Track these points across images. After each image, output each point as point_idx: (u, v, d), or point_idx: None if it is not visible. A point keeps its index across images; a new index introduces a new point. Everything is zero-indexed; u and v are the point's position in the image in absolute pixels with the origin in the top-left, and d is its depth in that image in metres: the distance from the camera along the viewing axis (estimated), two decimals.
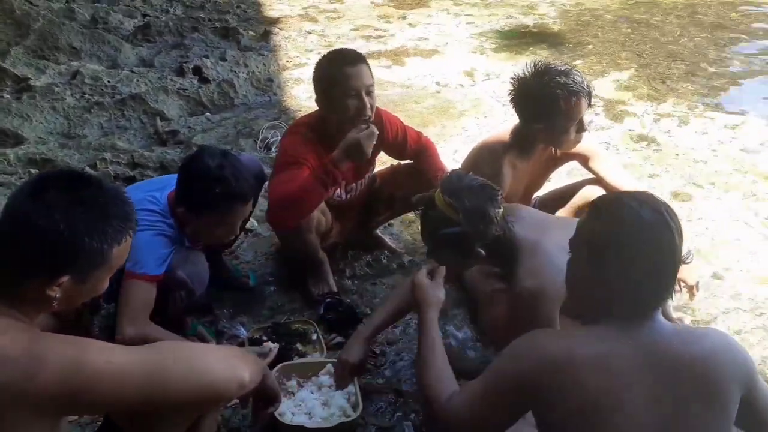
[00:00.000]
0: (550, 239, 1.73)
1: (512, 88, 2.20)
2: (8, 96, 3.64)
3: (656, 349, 1.23)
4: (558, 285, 1.66)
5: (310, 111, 3.68)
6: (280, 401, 1.47)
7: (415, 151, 2.45)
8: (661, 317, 1.28)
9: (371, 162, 2.43)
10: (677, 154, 3.40)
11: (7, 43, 4.26)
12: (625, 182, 2.34)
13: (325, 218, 2.32)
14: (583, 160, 2.37)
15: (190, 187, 1.85)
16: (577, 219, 1.97)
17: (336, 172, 2.07)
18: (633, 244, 1.22)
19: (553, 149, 2.32)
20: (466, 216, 1.68)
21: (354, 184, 2.39)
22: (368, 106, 2.15)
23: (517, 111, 2.23)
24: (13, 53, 4.08)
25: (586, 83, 2.13)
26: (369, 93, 2.15)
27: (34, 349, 1.04)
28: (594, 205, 1.33)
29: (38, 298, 1.11)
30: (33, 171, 2.95)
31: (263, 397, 1.42)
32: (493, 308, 1.84)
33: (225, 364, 1.24)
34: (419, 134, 2.49)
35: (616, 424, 1.19)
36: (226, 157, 1.86)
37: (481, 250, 1.74)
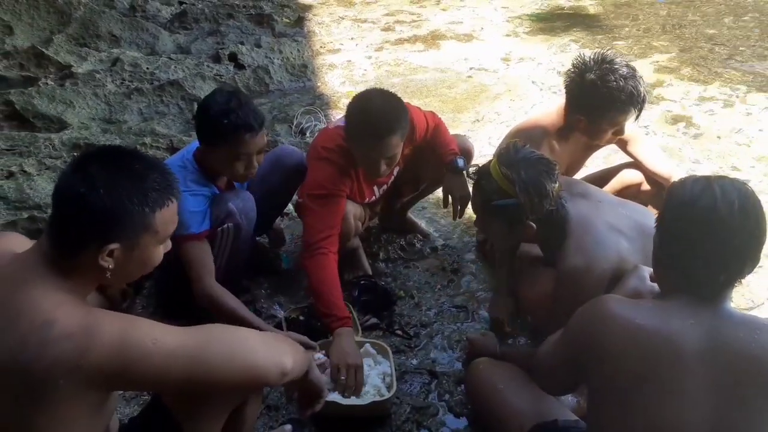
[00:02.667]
0: (602, 218, 1.73)
1: (571, 73, 2.15)
2: (52, 83, 3.74)
3: (721, 334, 1.23)
4: (605, 264, 1.67)
5: (343, 97, 3.77)
6: (324, 397, 1.48)
7: (431, 138, 2.41)
8: (729, 304, 1.27)
9: (399, 160, 2.42)
10: (719, 137, 3.31)
11: (50, 31, 4.38)
12: (664, 167, 2.30)
13: (361, 220, 2.33)
14: (622, 144, 2.33)
15: (202, 124, 1.95)
16: (633, 203, 1.98)
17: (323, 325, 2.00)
18: (702, 223, 1.22)
19: None
20: (522, 188, 1.69)
21: (385, 185, 2.39)
22: (383, 170, 2.08)
23: (567, 96, 2.19)
24: (56, 41, 4.19)
25: (644, 93, 2.07)
26: (389, 159, 2.06)
27: (88, 325, 1.08)
28: (677, 181, 1.33)
29: (92, 270, 1.14)
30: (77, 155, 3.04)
31: (307, 392, 1.44)
32: (538, 286, 1.85)
33: (268, 349, 1.26)
34: (429, 119, 2.38)
35: (668, 399, 1.20)
36: (234, 94, 1.97)
37: (532, 224, 1.74)
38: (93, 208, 1.11)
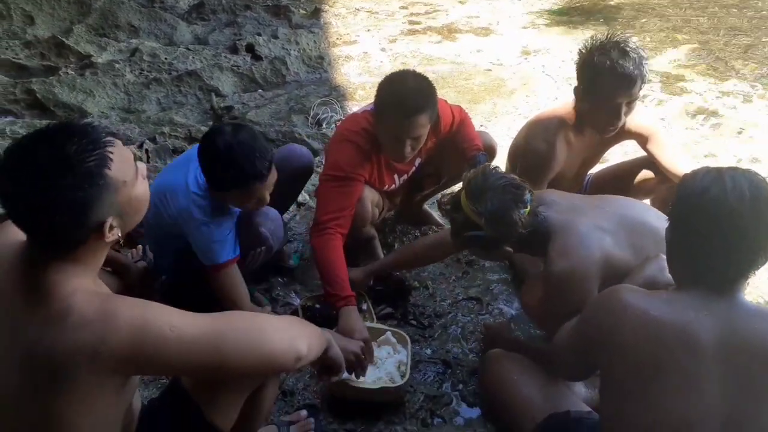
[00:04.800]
0: (583, 219, 1.72)
1: (576, 59, 2.14)
2: (72, 72, 3.79)
3: (735, 325, 1.22)
4: (590, 264, 1.66)
5: (359, 88, 3.78)
6: (343, 371, 1.51)
7: (456, 128, 2.43)
8: (743, 296, 1.27)
9: (422, 150, 2.43)
10: (741, 130, 3.27)
11: (71, 21, 4.43)
12: (680, 167, 2.20)
13: (379, 207, 2.34)
14: (642, 141, 2.28)
15: (207, 170, 1.86)
16: (614, 196, 1.97)
17: (330, 311, 2.01)
18: (713, 214, 1.22)
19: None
20: (488, 221, 1.67)
21: (405, 175, 2.40)
22: (408, 152, 2.09)
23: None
24: (76, 31, 4.24)
25: (637, 68, 1.99)
26: (415, 139, 2.07)
27: (106, 311, 1.08)
28: (689, 173, 1.32)
29: (100, 246, 1.14)
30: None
31: (326, 366, 1.47)
32: (535, 292, 1.85)
33: (284, 336, 1.27)
34: (455, 112, 2.39)
35: (681, 390, 1.21)
36: (235, 136, 1.81)
37: (509, 248, 1.75)
38: (65, 210, 1.05)
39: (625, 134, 2.27)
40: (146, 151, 2.95)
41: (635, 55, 2.01)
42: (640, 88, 2.05)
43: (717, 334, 1.22)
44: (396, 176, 2.33)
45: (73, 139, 1.07)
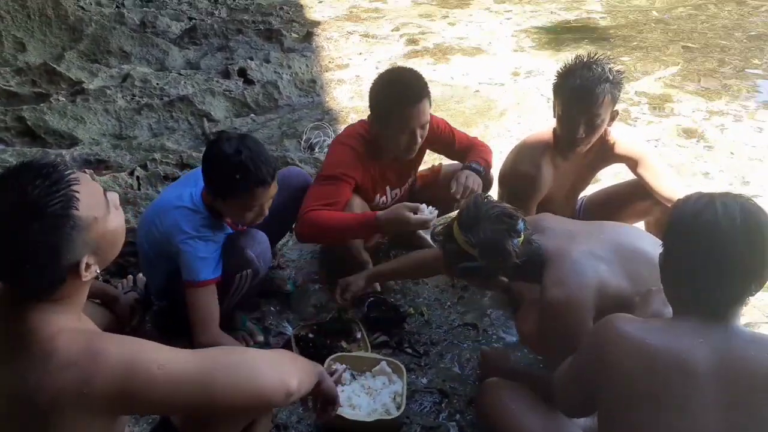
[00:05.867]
0: (577, 247, 1.70)
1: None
2: (63, 99, 3.78)
3: (731, 352, 1.21)
4: (585, 293, 1.64)
5: (352, 112, 3.79)
6: (338, 404, 1.48)
7: (465, 149, 2.42)
8: (739, 322, 1.26)
9: (415, 165, 2.44)
10: (732, 153, 3.29)
11: (62, 47, 4.43)
12: (670, 190, 2.20)
13: None
14: (631, 164, 2.26)
15: (211, 176, 1.86)
16: (608, 222, 1.96)
17: (372, 232, 2.07)
18: (704, 240, 1.22)
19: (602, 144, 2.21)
20: (482, 252, 1.66)
21: (398, 189, 2.40)
22: (419, 143, 2.14)
23: None
24: (68, 57, 4.24)
25: (599, 84, 1.98)
26: (423, 127, 2.12)
27: (91, 352, 1.06)
28: (681, 198, 1.32)
29: (79, 286, 1.12)
30: (88, 171, 3.06)
31: (321, 400, 1.44)
32: (528, 317, 1.83)
33: (274, 372, 1.25)
34: (472, 138, 2.47)
35: (679, 418, 1.19)
36: (242, 142, 1.84)
37: (503, 278, 1.73)
38: (34, 257, 1.03)
39: (614, 157, 2.28)
40: (137, 178, 2.93)
41: (599, 71, 1.99)
42: (604, 108, 2.03)
43: (713, 361, 1.20)
44: (389, 189, 2.31)
45: (35, 182, 1.03)
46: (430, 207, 2.04)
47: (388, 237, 2.60)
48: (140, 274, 2.23)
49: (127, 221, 2.59)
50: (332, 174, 2.11)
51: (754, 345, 1.24)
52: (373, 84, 2.16)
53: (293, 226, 2.50)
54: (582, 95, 2.01)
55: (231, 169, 1.80)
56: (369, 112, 2.22)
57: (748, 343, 1.24)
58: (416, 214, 1.99)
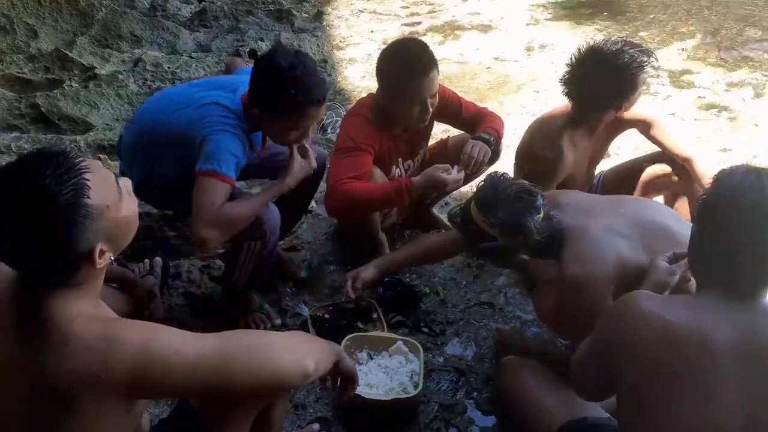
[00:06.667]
0: (597, 222, 1.68)
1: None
2: (76, 85, 3.78)
3: (755, 329, 1.19)
4: (605, 268, 1.63)
5: (364, 91, 3.74)
6: (357, 383, 1.47)
7: (473, 117, 2.38)
8: (766, 300, 1.23)
9: (426, 137, 2.41)
10: (756, 125, 3.21)
11: (74, 33, 4.43)
12: (685, 148, 2.22)
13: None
14: (644, 128, 2.25)
15: (264, 89, 1.78)
16: (628, 197, 1.93)
17: (408, 198, 2.07)
18: (747, 217, 1.18)
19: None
20: (502, 231, 1.65)
21: (411, 161, 2.38)
22: (430, 112, 2.14)
23: None
24: (79, 43, 4.23)
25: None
26: (434, 96, 2.12)
27: (108, 337, 1.06)
28: (726, 170, 1.28)
29: (94, 272, 1.11)
30: (102, 157, 3.08)
31: (341, 380, 1.44)
32: (548, 299, 1.82)
33: (290, 353, 1.25)
34: (481, 108, 2.43)
35: (699, 395, 1.17)
36: (298, 57, 1.79)
37: (525, 256, 1.71)
38: (47, 247, 1.03)
39: (626, 124, 2.25)
40: None
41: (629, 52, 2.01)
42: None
43: (735, 338, 1.18)
44: (401, 161, 2.31)
45: (46, 171, 1.02)
46: (456, 166, 2.07)
47: (400, 217, 2.58)
48: (157, 258, 2.24)
49: (143, 206, 2.63)
50: (353, 145, 2.10)
51: None
52: (380, 58, 2.16)
53: (315, 204, 2.51)
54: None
55: (286, 84, 1.73)
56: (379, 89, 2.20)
57: None
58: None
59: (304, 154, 1.97)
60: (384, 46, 4.26)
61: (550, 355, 1.83)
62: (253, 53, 3.83)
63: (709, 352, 1.18)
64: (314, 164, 2.02)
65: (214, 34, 4.65)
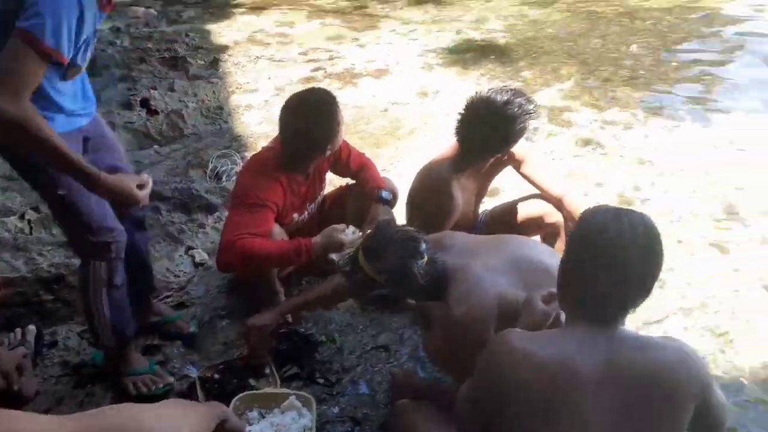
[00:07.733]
0: (478, 262, 1.75)
1: None
2: None
3: (617, 357, 1.27)
4: (486, 307, 1.69)
5: (261, 137, 3.73)
6: None
7: (357, 169, 2.48)
8: (625, 327, 1.33)
9: (321, 179, 2.44)
10: (622, 156, 3.49)
11: None
12: (556, 186, 2.38)
13: None
14: (516, 165, 2.41)
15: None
16: (509, 236, 2.03)
17: (307, 258, 2.09)
18: (607, 252, 1.27)
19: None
20: (389, 278, 1.69)
21: (312, 204, 2.40)
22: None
23: None
24: None
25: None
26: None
27: None
28: (590, 210, 1.38)
29: None
30: None
31: None
32: (434, 334, 1.86)
33: (165, 427, 1.21)
34: (360, 154, 2.54)
35: (573, 426, 1.23)
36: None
37: (411, 300, 1.76)
38: None
39: (504, 162, 2.39)
40: (29, 221, 2.76)
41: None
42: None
43: (601, 367, 1.26)
44: (303, 205, 2.33)
45: None
46: (351, 227, 2.12)
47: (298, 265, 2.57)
48: (30, 326, 2.10)
49: (17, 269, 2.46)
50: (254, 201, 2.08)
51: (639, 349, 1.30)
52: (291, 108, 2.16)
53: (207, 257, 2.44)
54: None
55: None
56: (280, 134, 2.21)
57: (632, 347, 1.30)
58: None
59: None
60: (283, 93, 4.36)
61: (441, 394, 1.85)
62: (144, 102, 3.72)
63: (578, 382, 1.25)
64: None
65: (104, 83, 4.48)
